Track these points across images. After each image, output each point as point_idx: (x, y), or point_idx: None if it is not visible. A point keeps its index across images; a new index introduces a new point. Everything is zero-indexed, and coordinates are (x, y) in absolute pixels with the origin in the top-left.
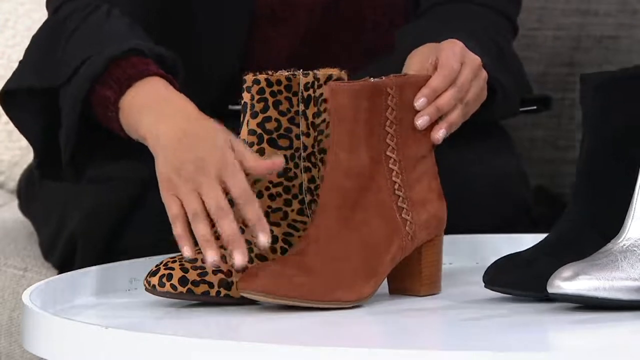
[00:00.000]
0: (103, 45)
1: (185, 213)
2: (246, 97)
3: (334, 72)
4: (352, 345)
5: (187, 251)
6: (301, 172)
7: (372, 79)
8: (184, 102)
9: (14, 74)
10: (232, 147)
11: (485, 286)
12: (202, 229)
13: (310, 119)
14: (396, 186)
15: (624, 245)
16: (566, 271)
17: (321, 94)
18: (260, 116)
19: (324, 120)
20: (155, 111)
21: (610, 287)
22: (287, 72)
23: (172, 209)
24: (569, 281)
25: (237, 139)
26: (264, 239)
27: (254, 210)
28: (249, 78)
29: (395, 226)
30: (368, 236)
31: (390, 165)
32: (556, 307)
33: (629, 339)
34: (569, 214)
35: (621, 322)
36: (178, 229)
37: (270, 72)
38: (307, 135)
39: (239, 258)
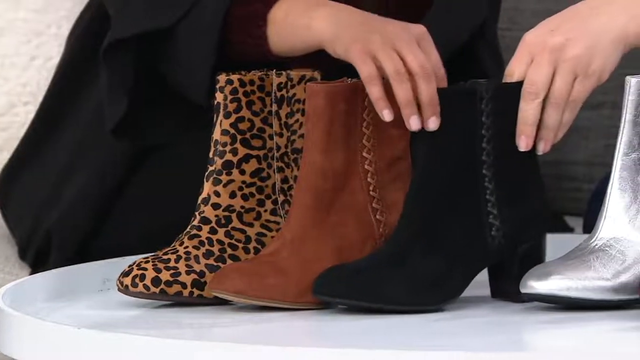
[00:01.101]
0: None
1: (379, 75)
2: (219, 97)
3: (307, 72)
4: (326, 345)
5: (387, 115)
6: (274, 173)
7: (349, 80)
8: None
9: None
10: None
11: (314, 294)
12: (405, 92)
13: (283, 119)
14: (371, 187)
15: (597, 245)
16: (538, 271)
17: (294, 94)
18: (234, 116)
19: (297, 121)
20: (325, 9)
21: (583, 287)
22: (260, 72)
23: (367, 69)
24: (542, 281)
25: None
26: (433, 125)
27: (431, 87)
28: (221, 78)
29: (370, 227)
30: (342, 237)
31: (366, 166)
32: (530, 307)
33: (602, 338)
34: (402, 222)
35: (593, 321)
36: (375, 91)
37: (243, 72)
38: (280, 135)
39: (435, 121)
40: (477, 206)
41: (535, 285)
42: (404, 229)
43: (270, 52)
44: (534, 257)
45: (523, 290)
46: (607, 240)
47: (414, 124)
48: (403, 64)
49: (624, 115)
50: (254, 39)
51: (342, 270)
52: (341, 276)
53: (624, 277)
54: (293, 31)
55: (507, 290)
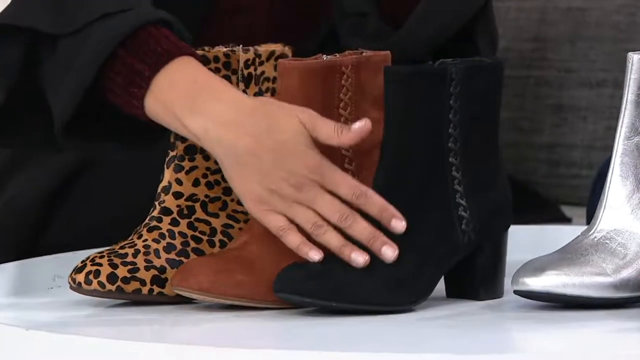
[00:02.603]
0: (130, 3)
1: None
2: None
3: (277, 47)
4: (298, 347)
5: (316, 255)
6: None
7: (325, 57)
8: (231, 89)
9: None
10: (307, 128)
11: (275, 293)
12: (335, 239)
13: None
14: (349, 174)
15: (595, 237)
16: (532, 266)
17: (263, 72)
18: None
19: None
20: (203, 101)
21: (580, 283)
22: (226, 47)
23: (275, 222)
24: (535, 277)
25: (304, 109)
26: (400, 226)
27: (374, 203)
28: None
29: None
30: None
31: (344, 152)
32: (522, 305)
33: (600, 339)
34: (368, 216)
35: (590, 321)
36: (294, 239)
37: (206, 48)
38: None
39: (391, 253)
40: (446, 198)
41: (528, 281)
42: (372, 222)
43: (144, 116)
44: (497, 253)
45: (515, 287)
46: (607, 233)
47: (359, 261)
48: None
49: (625, 95)
50: (130, 97)
51: (306, 267)
52: (305, 274)
53: (626, 273)
54: (168, 115)
55: (470, 288)
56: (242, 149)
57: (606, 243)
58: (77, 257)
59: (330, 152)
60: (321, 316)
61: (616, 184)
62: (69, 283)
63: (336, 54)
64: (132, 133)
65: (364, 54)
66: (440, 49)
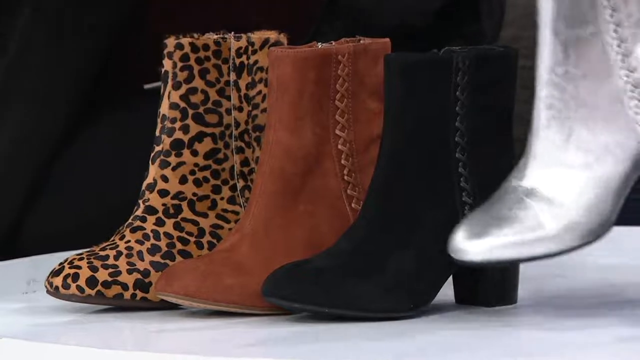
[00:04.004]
0: None
1: None
2: (167, 64)
3: (272, 35)
4: (290, 357)
5: None
6: (232, 154)
7: (320, 45)
8: None
9: None
10: None
11: (266, 298)
12: None
13: (243, 90)
14: (346, 171)
15: (527, 187)
16: (468, 228)
17: (256, 61)
18: (184, 87)
19: (259, 92)
20: None
21: (522, 241)
22: (216, 35)
23: None
24: (475, 241)
25: None
26: None
27: None
28: (170, 42)
29: (344, 218)
30: (312, 230)
31: (340, 146)
32: (515, 311)
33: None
34: (365, 215)
35: (589, 329)
36: None
37: (196, 35)
38: (240, 109)
39: None
40: (451, 196)
41: (470, 248)
42: (369, 222)
43: None
44: None
45: (453, 255)
46: (537, 182)
47: None
48: None
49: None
50: None
51: (298, 270)
52: (297, 277)
53: (565, 222)
54: None
55: (481, 296)
56: None
57: (539, 194)
58: (54, 259)
59: (325, 148)
60: (314, 323)
61: (542, 129)
62: (46, 287)
63: (332, 42)
64: None
65: (361, 41)
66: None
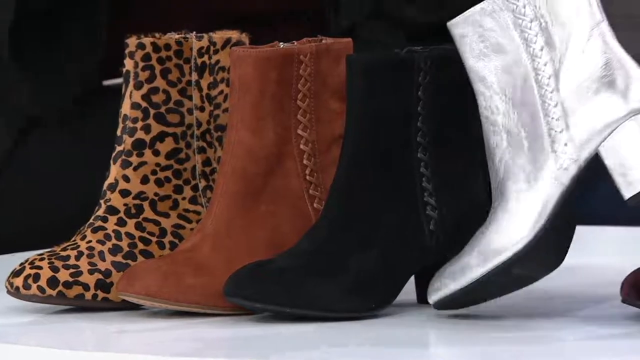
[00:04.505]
0: None
1: None
2: (129, 64)
3: (233, 34)
4: (251, 357)
5: None
6: (194, 153)
7: (281, 44)
8: None
9: None
10: None
11: (228, 298)
12: None
13: (205, 90)
14: (308, 171)
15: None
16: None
17: (218, 61)
18: (146, 87)
19: (221, 92)
20: None
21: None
22: (178, 34)
23: None
24: (432, 295)
25: None
26: None
27: None
28: (131, 41)
29: (306, 218)
30: (274, 230)
31: (302, 146)
32: (477, 312)
33: (570, 349)
34: (327, 215)
35: (561, 330)
36: None
37: (157, 35)
38: (202, 109)
39: None
40: (413, 196)
41: (432, 301)
42: (331, 222)
43: None
44: None
45: (433, 298)
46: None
47: None
48: None
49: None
50: None
51: (260, 270)
52: (259, 277)
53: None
54: None
55: None
56: None
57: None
58: (14, 259)
59: (287, 148)
60: (276, 323)
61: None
62: (6, 287)
63: (294, 42)
64: None
65: (323, 41)
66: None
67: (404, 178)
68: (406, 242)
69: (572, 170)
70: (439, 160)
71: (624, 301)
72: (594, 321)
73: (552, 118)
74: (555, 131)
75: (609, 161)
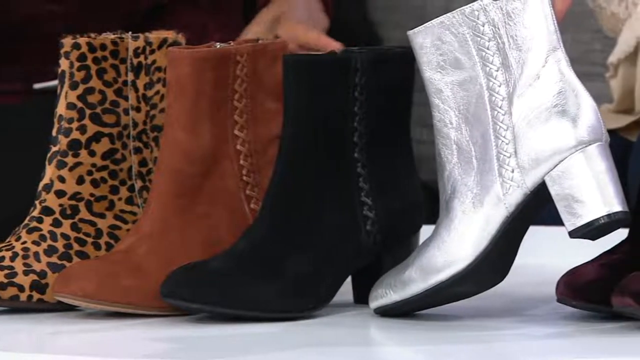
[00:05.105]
0: None
1: None
2: (64, 64)
3: (169, 35)
4: (183, 357)
5: None
6: (130, 154)
7: (218, 45)
8: None
9: None
10: None
11: (164, 298)
12: None
13: (141, 90)
14: (244, 171)
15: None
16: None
17: (154, 61)
18: (82, 87)
19: (157, 92)
20: None
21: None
22: (114, 34)
23: None
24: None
25: None
26: None
27: None
28: (67, 42)
29: (243, 219)
30: (210, 231)
31: (238, 147)
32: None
33: (508, 346)
34: (263, 215)
35: (503, 330)
36: None
37: (92, 35)
38: (138, 109)
39: None
40: (350, 196)
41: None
42: (267, 222)
43: None
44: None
45: (374, 305)
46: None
47: None
48: None
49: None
50: None
51: (196, 270)
52: (196, 277)
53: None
54: None
55: None
56: None
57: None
58: None
59: (224, 148)
60: (212, 323)
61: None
62: None
63: (230, 42)
64: None
65: (260, 41)
66: None
67: (341, 178)
68: (343, 243)
69: (517, 196)
70: (376, 160)
71: (559, 301)
72: (530, 321)
73: (502, 141)
74: (504, 155)
75: (554, 191)
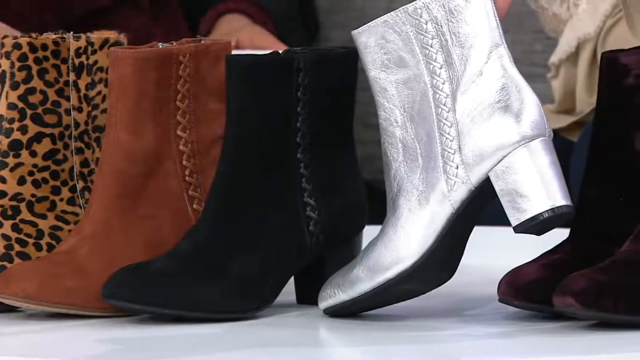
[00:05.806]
0: None
1: None
2: (4, 64)
3: (111, 35)
4: (125, 358)
5: None
6: (72, 154)
7: (160, 45)
8: None
9: None
10: None
11: (106, 299)
12: None
13: (83, 90)
14: (187, 172)
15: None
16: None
17: (95, 62)
18: (23, 87)
19: (99, 93)
20: None
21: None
22: (55, 34)
23: None
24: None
25: None
26: None
27: None
28: (7, 41)
29: (186, 219)
30: (153, 231)
31: (181, 147)
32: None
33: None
34: (206, 216)
35: (447, 330)
36: None
37: (33, 35)
38: (79, 110)
39: None
40: (293, 196)
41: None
42: (210, 223)
43: None
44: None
45: (323, 305)
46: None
47: None
48: None
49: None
50: None
51: (138, 271)
52: (138, 278)
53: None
54: None
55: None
56: None
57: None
58: None
59: (166, 149)
60: (155, 324)
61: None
62: None
63: (173, 42)
64: None
65: (202, 42)
66: None
67: (284, 179)
68: (286, 243)
69: (462, 192)
70: (319, 161)
71: (501, 300)
72: (472, 321)
73: (447, 138)
74: (449, 152)
75: (499, 186)
